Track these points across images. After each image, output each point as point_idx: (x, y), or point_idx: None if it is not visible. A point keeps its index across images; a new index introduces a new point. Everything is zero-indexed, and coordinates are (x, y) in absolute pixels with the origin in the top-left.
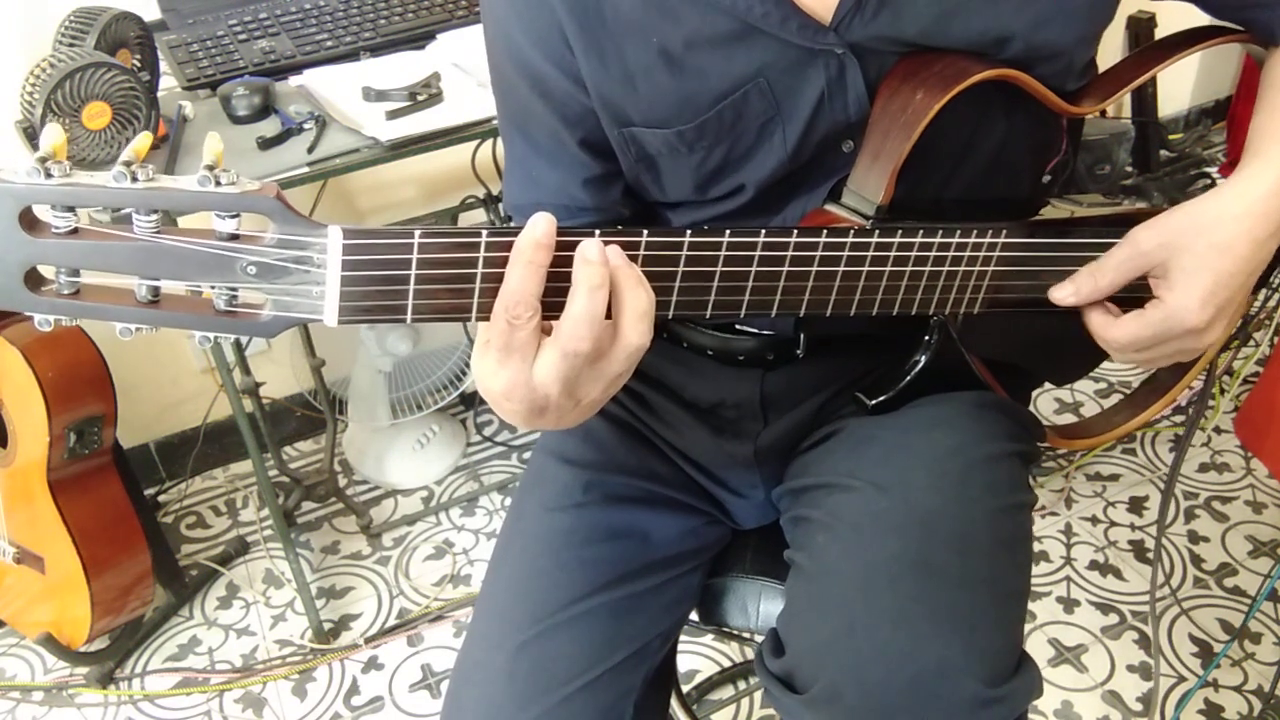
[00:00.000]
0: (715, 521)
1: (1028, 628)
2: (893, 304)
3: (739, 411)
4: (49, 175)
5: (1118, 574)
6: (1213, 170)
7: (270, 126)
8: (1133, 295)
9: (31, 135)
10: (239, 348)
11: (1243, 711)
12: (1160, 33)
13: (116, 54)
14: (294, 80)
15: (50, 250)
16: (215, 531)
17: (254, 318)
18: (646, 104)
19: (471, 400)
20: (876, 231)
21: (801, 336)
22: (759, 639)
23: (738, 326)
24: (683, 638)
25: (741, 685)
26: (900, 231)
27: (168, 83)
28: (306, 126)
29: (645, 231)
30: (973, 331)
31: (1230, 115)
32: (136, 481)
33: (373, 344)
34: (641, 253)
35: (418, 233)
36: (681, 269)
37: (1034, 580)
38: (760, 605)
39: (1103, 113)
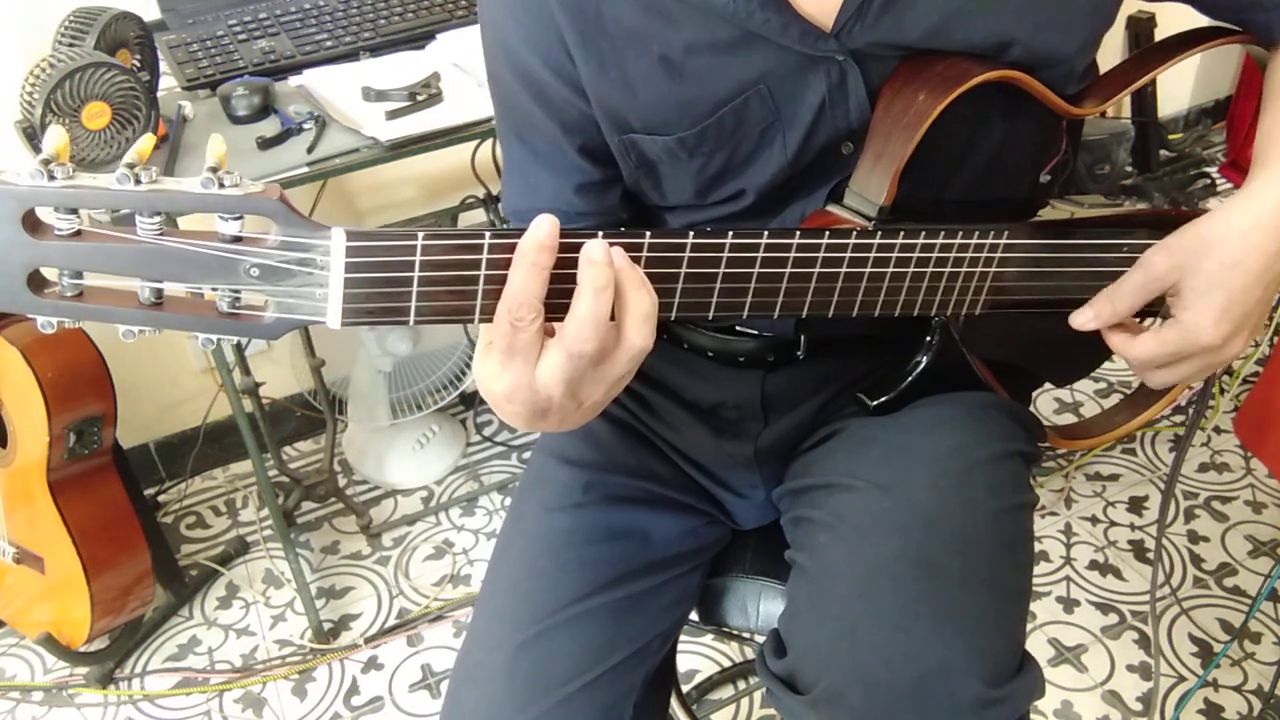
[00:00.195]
0: (715, 522)
1: (1027, 628)
2: (895, 305)
3: (739, 412)
4: (52, 177)
5: (1118, 574)
6: (1212, 170)
7: (270, 126)
8: (1155, 309)
9: (31, 135)
10: (239, 348)
11: (1243, 711)
12: (1160, 33)
13: (116, 54)
14: (294, 80)
15: (53, 252)
16: (215, 531)
17: (257, 320)
18: (647, 111)
19: (471, 400)
20: (879, 233)
21: (802, 338)
22: (759, 639)
23: (738, 328)
24: (683, 638)
25: (741, 685)
26: (903, 233)
27: (167, 83)
28: (306, 126)
29: (648, 233)
30: (974, 332)
31: (1230, 115)
32: (136, 481)
33: (373, 344)
34: (644, 254)
35: (421, 235)
36: (684, 270)
37: (1034, 580)
38: (760, 605)
39: (1103, 113)
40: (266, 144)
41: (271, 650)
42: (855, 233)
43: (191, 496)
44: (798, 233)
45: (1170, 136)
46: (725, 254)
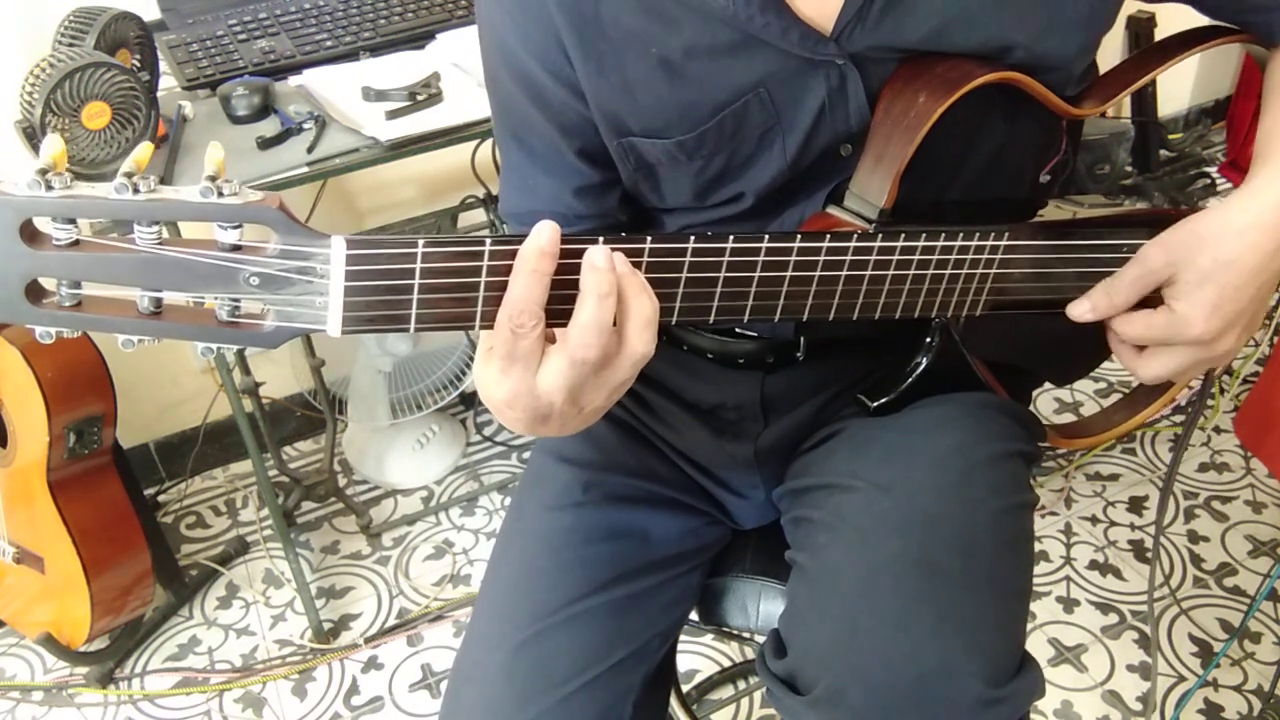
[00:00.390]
0: (715, 521)
1: (1028, 627)
2: (895, 307)
3: (739, 413)
4: (49, 187)
5: (1117, 574)
6: (1212, 170)
7: (270, 126)
8: (1155, 299)
9: (31, 135)
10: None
11: (1242, 711)
12: (1160, 33)
13: (116, 54)
14: (294, 80)
15: (51, 262)
16: (215, 531)
17: (257, 328)
18: (646, 114)
19: (471, 400)
20: (879, 235)
21: (802, 339)
22: (759, 639)
23: (738, 330)
24: (683, 638)
25: (741, 685)
26: (903, 235)
27: (167, 83)
28: (306, 126)
29: (649, 238)
30: (974, 333)
31: (1230, 115)
32: (136, 481)
33: (373, 344)
34: (645, 259)
35: (421, 242)
36: (685, 275)
37: (1034, 580)
38: (760, 605)
39: (1103, 113)
40: (266, 144)
41: (271, 650)
42: (856, 235)
43: (191, 496)
44: (798, 236)
45: (1170, 136)
46: (726, 258)
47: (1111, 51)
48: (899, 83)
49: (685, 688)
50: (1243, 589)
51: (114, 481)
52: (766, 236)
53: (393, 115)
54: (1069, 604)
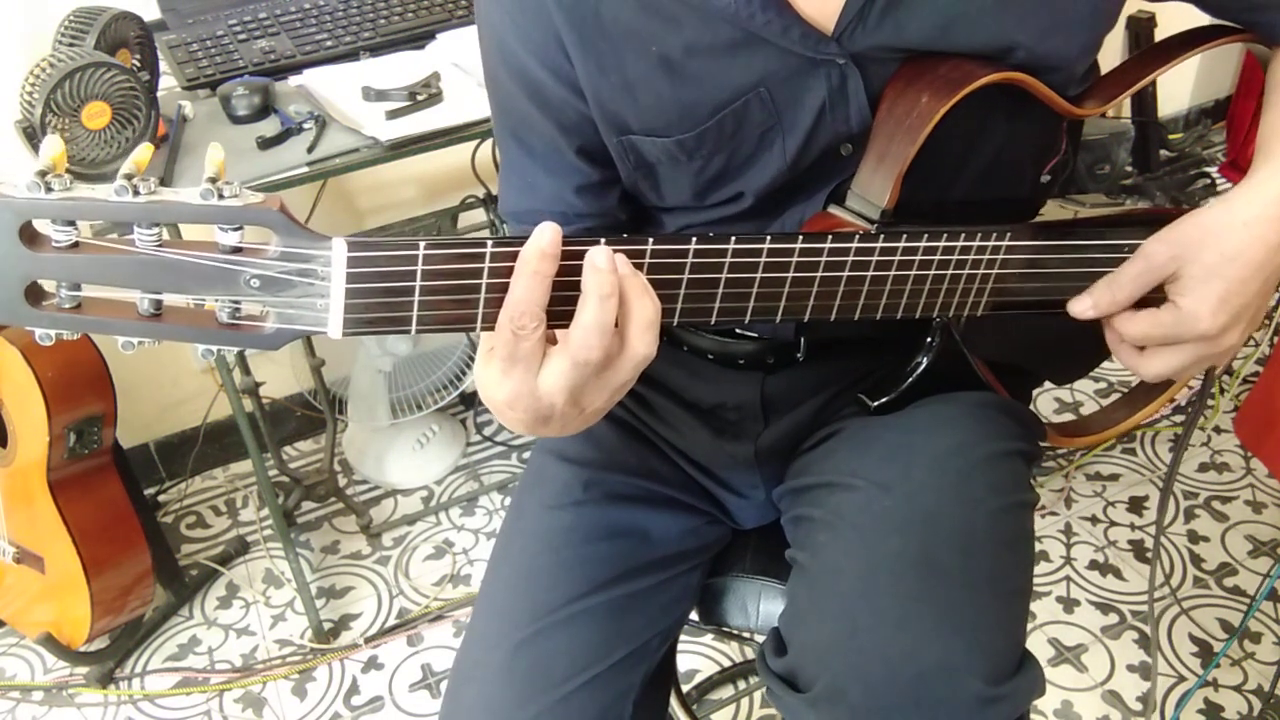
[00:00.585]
0: (715, 521)
1: (1028, 627)
2: (897, 308)
3: (740, 413)
4: (49, 189)
5: (1117, 574)
6: (1212, 170)
7: (270, 126)
8: (1154, 296)
9: (31, 135)
10: None
11: (1242, 711)
12: (1160, 33)
13: (116, 54)
14: (294, 80)
15: (51, 265)
16: (215, 531)
17: (257, 330)
18: (646, 112)
19: (471, 400)
20: (881, 236)
21: (802, 340)
22: (759, 639)
23: (738, 330)
24: (683, 637)
25: (741, 685)
26: (905, 236)
27: (167, 82)
28: (306, 126)
29: (650, 239)
30: (975, 333)
31: (1230, 115)
32: (136, 481)
33: (373, 344)
34: (647, 260)
35: (423, 244)
36: (687, 276)
37: (1034, 580)
38: (760, 605)
39: (1103, 113)
40: (266, 144)
41: (271, 650)
42: (858, 236)
43: (191, 496)
44: (800, 237)
45: (1170, 136)
46: (728, 259)
47: (1112, 51)
48: (901, 83)
49: (685, 688)
50: (1243, 589)
51: (114, 481)
52: (768, 237)
53: (393, 115)
54: (1069, 604)
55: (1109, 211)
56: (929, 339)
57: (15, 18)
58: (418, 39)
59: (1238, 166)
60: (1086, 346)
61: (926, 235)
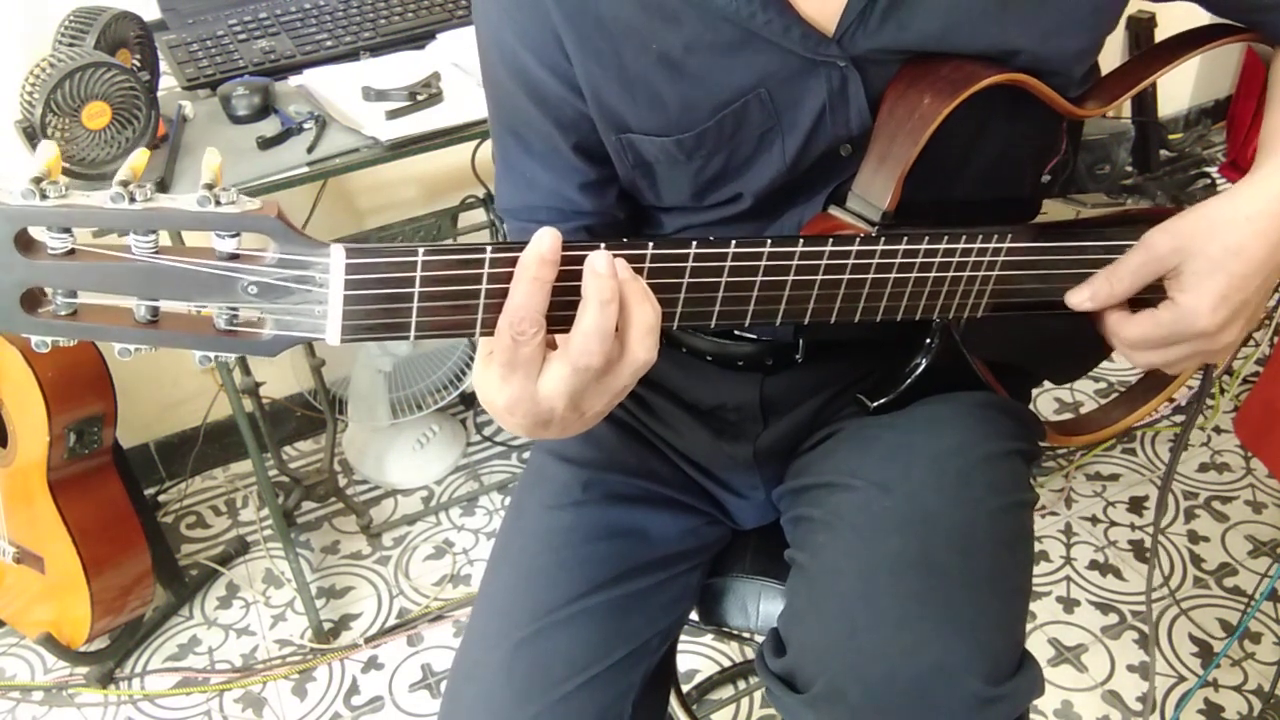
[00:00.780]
0: (715, 521)
1: (1027, 627)
2: (897, 310)
3: (739, 414)
4: (44, 196)
5: (1117, 574)
6: (1212, 170)
7: (270, 126)
8: (1149, 296)
9: (31, 135)
10: None
11: (1242, 711)
12: (1160, 33)
13: (116, 54)
14: (294, 80)
15: (47, 272)
16: (215, 531)
17: (255, 337)
18: (645, 111)
19: (471, 400)
20: (882, 239)
21: (800, 341)
22: (759, 639)
23: (737, 332)
24: (683, 637)
25: (741, 685)
26: (906, 239)
27: (167, 82)
28: (306, 126)
29: (650, 244)
30: (974, 333)
31: (1230, 115)
32: (136, 481)
33: (373, 344)
34: (647, 265)
35: (421, 251)
36: (687, 280)
37: (1034, 580)
38: (760, 605)
39: (1104, 113)
40: (266, 144)
41: (271, 650)
42: (858, 239)
43: (191, 496)
44: (800, 240)
45: (1170, 136)
46: (728, 263)
47: (1112, 52)
48: (902, 84)
49: (685, 688)
50: (1243, 589)
51: (114, 481)
52: (769, 241)
53: (393, 115)
54: (1069, 604)
55: (1109, 212)
56: (928, 340)
57: (15, 18)
58: (418, 39)
59: (1238, 166)
60: (1086, 346)
61: (927, 237)
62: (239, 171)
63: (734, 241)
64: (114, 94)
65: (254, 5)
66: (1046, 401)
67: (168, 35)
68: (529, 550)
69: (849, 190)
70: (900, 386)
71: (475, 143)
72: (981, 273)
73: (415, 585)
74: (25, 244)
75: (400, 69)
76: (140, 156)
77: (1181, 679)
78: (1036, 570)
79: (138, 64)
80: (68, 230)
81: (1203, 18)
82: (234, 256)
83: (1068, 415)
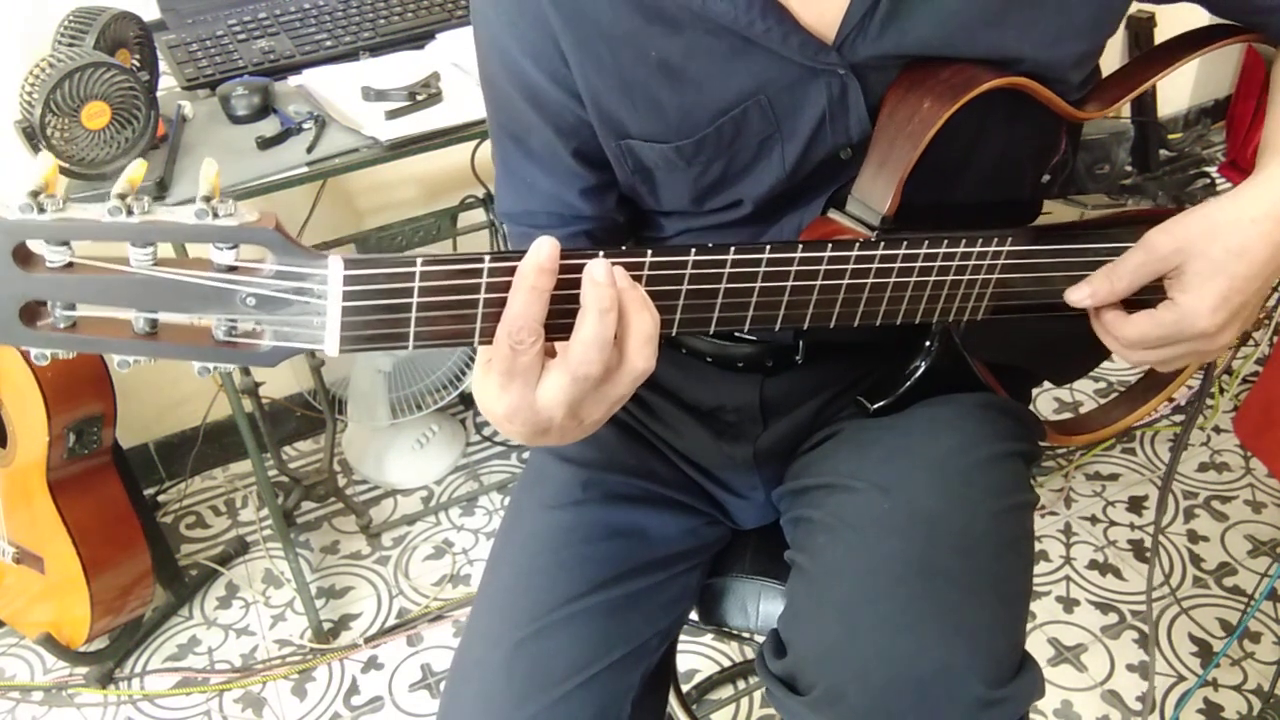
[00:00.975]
0: (715, 521)
1: (1027, 627)
2: (897, 314)
3: (739, 415)
4: (42, 210)
5: (1117, 573)
6: (1212, 170)
7: (269, 126)
8: (1145, 296)
9: (31, 135)
10: None
11: (1242, 711)
12: (1160, 33)
13: (116, 54)
14: (293, 80)
15: (45, 285)
16: (215, 531)
17: (253, 348)
18: (644, 117)
19: (471, 400)
20: (882, 244)
21: (800, 343)
22: (759, 639)
23: (736, 334)
24: (683, 637)
25: (741, 685)
26: (905, 243)
27: (167, 82)
28: (306, 126)
29: (649, 252)
30: (974, 334)
31: (1230, 115)
32: (136, 481)
33: None
34: (645, 272)
35: (419, 261)
36: (685, 287)
37: (1034, 580)
38: (760, 605)
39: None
40: (266, 144)
41: (271, 650)
42: (858, 244)
43: (191, 496)
44: (800, 246)
45: (1170, 136)
46: (727, 269)
47: (1112, 52)
48: (902, 88)
49: (685, 688)
50: (1242, 589)
51: (114, 481)
52: (768, 247)
53: (392, 115)
54: (1069, 604)
55: (1110, 213)
56: (928, 342)
57: (15, 18)
58: (417, 39)
59: (1237, 166)
60: (1086, 347)
61: (926, 242)
62: (238, 172)
63: (733, 249)
64: (113, 94)
65: (253, 5)
66: (1046, 401)
67: (167, 35)
68: (528, 550)
69: (849, 194)
70: (900, 388)
71: (475, 143)
72: (981, 276)
73: (415, 585)
74: (24, 258)
75: (400, 69)
76: (138, 168)
77: (1181, 678)
78: (1036, 570)
79: (137, 64)
80: (66, 243)
81: (1203, 17)
82: (232, 269)
83: (1068, 415)
